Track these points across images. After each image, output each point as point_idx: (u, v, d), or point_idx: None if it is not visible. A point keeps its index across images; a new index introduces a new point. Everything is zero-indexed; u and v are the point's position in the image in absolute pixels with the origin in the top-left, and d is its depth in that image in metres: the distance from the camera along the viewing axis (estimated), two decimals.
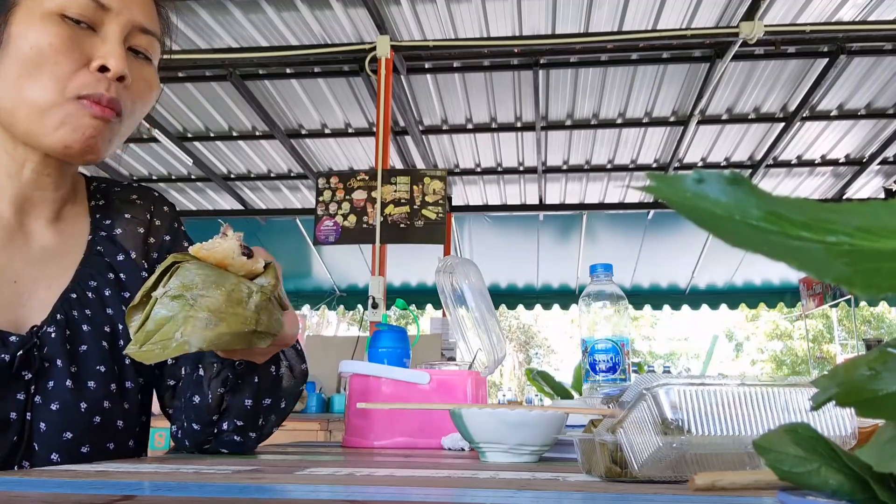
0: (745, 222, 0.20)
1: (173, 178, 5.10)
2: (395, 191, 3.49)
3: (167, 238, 0.83)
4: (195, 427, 0.71)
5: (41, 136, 0.64)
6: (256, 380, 0.70)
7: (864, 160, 4.65)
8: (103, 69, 0.65)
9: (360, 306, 6.18)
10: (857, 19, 3.32)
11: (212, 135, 4.48)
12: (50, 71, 0.63)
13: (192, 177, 5.10)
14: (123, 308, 0.73)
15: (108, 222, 0.78)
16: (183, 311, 0.53)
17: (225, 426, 0.70)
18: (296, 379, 0.75)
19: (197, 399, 0.70)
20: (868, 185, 5.07)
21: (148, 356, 0.53)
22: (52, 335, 0.66)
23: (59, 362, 0.66)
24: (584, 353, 0.96)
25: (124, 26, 0.67)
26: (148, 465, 0.53)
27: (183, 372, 0.75)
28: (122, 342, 0.71)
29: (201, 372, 0.70)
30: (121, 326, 0.72)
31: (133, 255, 0.77)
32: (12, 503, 0.33)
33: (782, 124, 4.18)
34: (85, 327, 0.69)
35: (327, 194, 3.59)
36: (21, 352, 0.63)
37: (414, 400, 0.88)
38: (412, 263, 5.72)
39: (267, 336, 0.58)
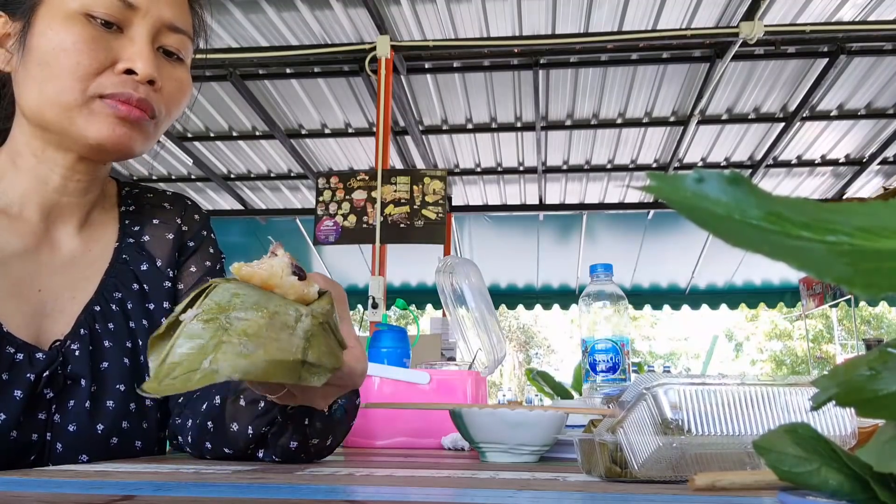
0: (746, 222, 0.20)
1: (173, 178, 5.10)
2: (395, 191, 3.49)
3: (191, 244, 0.79)
4: (226, 451, 0.63)
5: (75, 135, 0.63)
6: (307, 421, 0.61)
7: (864, 160, 4.65)
8: (129, 72, 0.63)
9: (359, 306, 6.18)
10: (856, 19, 3.32)
11: (212, 135, 4.48)
12: (71, 71, 0.61)
13: (192, 177, 5.10)
14: (144, 322, 0.70)
15: (136, 228, 0.76)
16: (215, 336, 0.43)
17: (260, 455, 0.63)
18: (349, 416, 0.65)
19: (235, 427, 0.62)
20: (868, 185, 5.07)
21: (166, 390, 0.42)
22: (76, 352, 0.64)
23: (82, 382, 0.64)
24: (584, 353, 0.96)
25: (153, 25, 0.65)
26: (148, 465, 0.53)
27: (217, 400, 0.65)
28: (142, 358, 0.69)
29: (242, 402, 0.61)
30: (141, 342, 0.69)
31: (159, 264, 0.74)
32: (12, 503, 0.33)
33: (782, 124, 4.18)
34: (107, 343, 0.67)
35: (327, 194, 3.59)
36: (47, 371, 0.62)
37: (414, 400, 0.88)
38: (412, 263, 5.72)
39: (321, 371, 0.46)
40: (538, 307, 6.48)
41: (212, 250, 0.81)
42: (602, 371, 0.94)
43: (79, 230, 0.71)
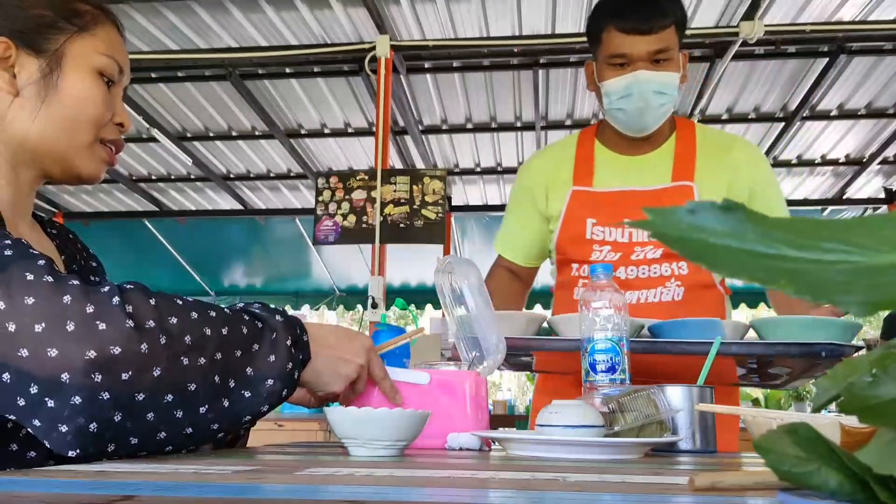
0: (742, 249, 0.20)
1: (172, 177, 5.09)
2: (395, 191, 3.49)
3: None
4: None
5: (71, 165, 0.77)
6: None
7: (864, 160, 4.65)
8: (120, 125, 0.81)
9: (359, 306, 6.18)
10: (856, 19, 3.32)
11: (211, 134, 4.48)
12: (90, 119, 0.77)
13: (192, 177, 5.09)
14: None
15: (54, 231, 0.88)
16: None
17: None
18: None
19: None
20: (868, 185, 5.07)
21: None
22: None
23: None
24: (584, 353, 0.96)
25: (124, 85, 0.83)
26: (148, 465, 0.53)
27: None
28: None
29: None
30: None
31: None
32: (12, 503, 0.33)
33: (782, 124, 4.18)
34: None
35: (327, 194, 3.59)
36: None
37: (415, 400, 0.87)
38: (412, 263, 5.71)
39: None
40: (538, 307, 6.47)
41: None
42: (602, 371, 0.94)
43: (30, 228, 0.82)
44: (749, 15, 3.17)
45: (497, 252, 1.53)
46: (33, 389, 0.56)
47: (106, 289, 0.60)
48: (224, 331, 0.65)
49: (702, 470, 0.60)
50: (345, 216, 3.54)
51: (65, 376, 0.56)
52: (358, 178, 3.59)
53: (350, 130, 4.40)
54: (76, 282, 0.59)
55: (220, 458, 0.66)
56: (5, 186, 0.75)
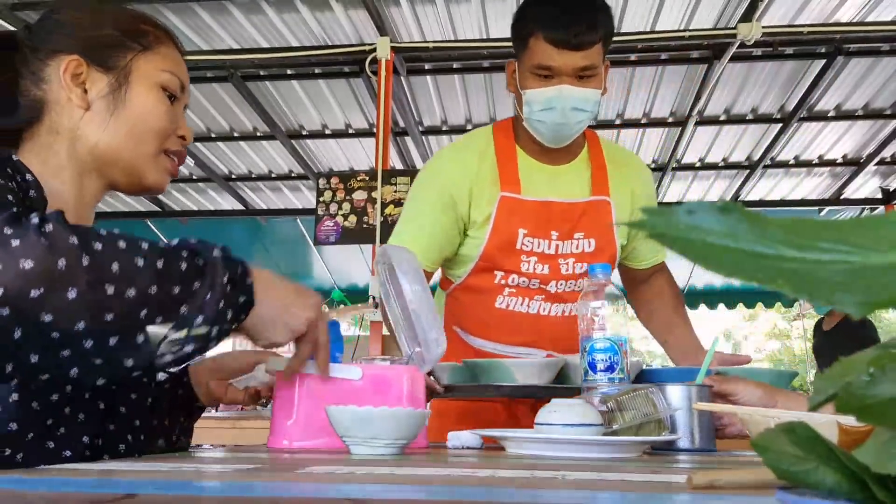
0: (740, 249, 0.20)
1: (175, 178, 5.09)
2: (396, 191, 3.49)
3: None
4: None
5: (137, 175, 0.82)
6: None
7: (862, 160, 4.66)
8: (183, 138, 0.86)
9: (360, 305, 6.18)
10: (854, 20, 3.32)
11: (213, 135, 4.48)
12: (155, 132, 0.81)
13: (194, 177, 5.10)
14: None
15: None
16: None
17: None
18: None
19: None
20: (865, 186, 5.08)
21: None
22: None
23: None
24: (583, 353, 0.97)
25: (185, 102, 0.88)
26: (148, 465, 0.53)
27: None
28: None
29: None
30: None
31: None
32: (13, 502, 0.33)
33: (780, 125, 4.18)
34: None
35: (328, 195, 3.60)
36: None
37: (347, 396, 0.81)
38: None
39: None
40: None
41: None
42: (601, 370, 0.94)
43: None
44: (747, 16, 3.18)
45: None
46: None
47: (33, 217, 0.57)
48: (159, 264, 0.60)
49: (700, 468, 0.60)
50: (346, 216, 3.54)
51: None
52: (359, 178, 3.59)
53: (351, 131, 4.41)
54: (6, 213, 0.56)
55: (221, 458, 0.66)
56: (70, 191, 0.79)
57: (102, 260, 0.57)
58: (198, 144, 4.56)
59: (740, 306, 6.36)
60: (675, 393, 0.90)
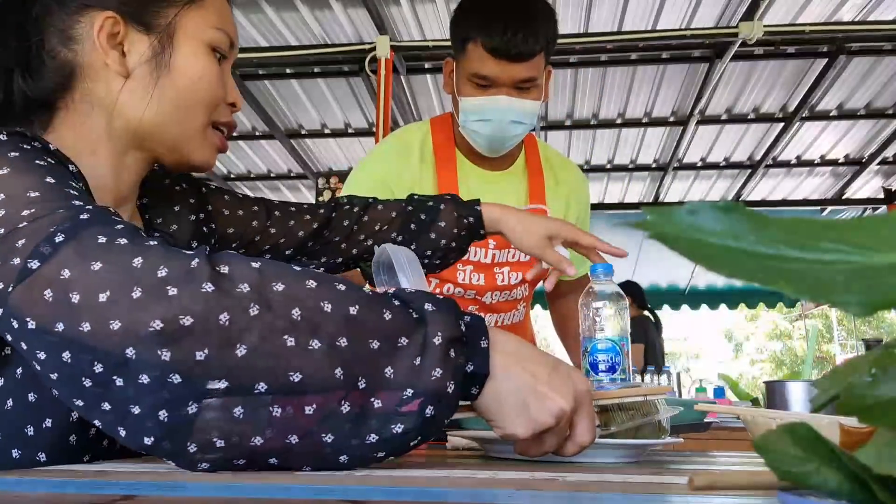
0: (742, 249, 0.20)
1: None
2: None
3: (202, 216, 0.83)
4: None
5: (182, 152, 0.71)
6: None
7: (864, 160, 4.66)
8: (233, 105, 0.75)
9: None
10: (856, 19, 3.32)
11: None
12: (205, 101, 0.70)
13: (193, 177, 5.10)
14: None
15: (159, 220, 0.78)
16: None
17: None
18: None
19: None
20: (867, 186, 5.08)
21: None
22: None
23: None
24: (585, 353, 0.96)
25: (233, 60, 0.76)
26: (148, 465, 0.53)
27: None
28: None
29: None
30: None
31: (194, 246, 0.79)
32: (12, 503, 0.33)
33: (781, 124, 4.18)
34: None
35: (327, 194, 3.60)
36: None
37: None
38: None
39: None
40: (538, 307, 6.47)
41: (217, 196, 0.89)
42: (603, 371, 0.94)
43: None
44: (748, 15, 3.17)
45: None
46: (97, 368, 0.44)
47: (194, 252, 0.48)
48: (353, 310, 0.47)
49: (701, 469, 0.60)
50: None
51: (130, 352, 0.44)
52: None
53: (350, 131, 4.41)
54: (154, 243, 0.48)
55: None
56: (109, 175, 0.69)
57: (281, 305, 0.46)
58: None
59: (742, 306, 6.36)
60: None
